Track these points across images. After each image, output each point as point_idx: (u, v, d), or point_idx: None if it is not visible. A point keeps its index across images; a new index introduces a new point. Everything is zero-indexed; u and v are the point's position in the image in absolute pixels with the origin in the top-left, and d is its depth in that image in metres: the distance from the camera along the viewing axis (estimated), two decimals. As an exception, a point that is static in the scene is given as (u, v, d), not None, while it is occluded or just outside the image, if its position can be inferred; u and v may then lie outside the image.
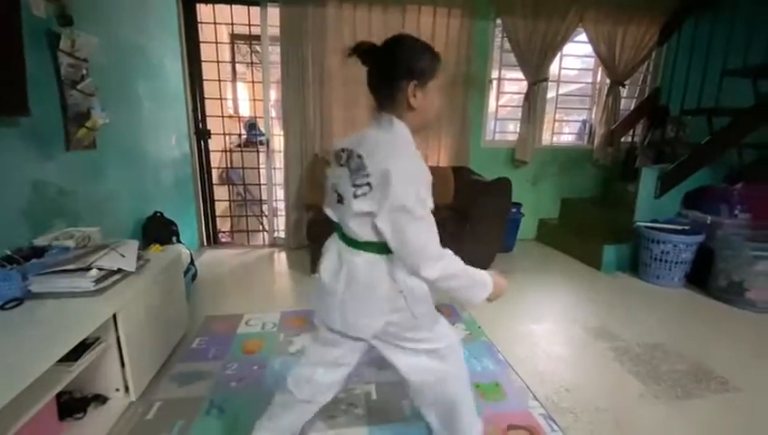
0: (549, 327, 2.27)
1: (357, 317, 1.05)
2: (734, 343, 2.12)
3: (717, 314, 2.47)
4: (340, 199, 1.02)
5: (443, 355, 1.12)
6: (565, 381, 1.74)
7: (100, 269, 1.45)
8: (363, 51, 1.00)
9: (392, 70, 0.98)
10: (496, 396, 1.64)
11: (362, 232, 0.99)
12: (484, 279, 1.04)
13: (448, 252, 0.99)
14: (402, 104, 0.99)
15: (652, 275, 2.90)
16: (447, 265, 0.97)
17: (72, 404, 1.42)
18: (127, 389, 1.52)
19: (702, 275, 2.78)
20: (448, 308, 2.39)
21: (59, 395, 1.30)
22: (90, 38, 1.86)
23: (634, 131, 4.02)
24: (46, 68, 1.68)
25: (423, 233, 0.93)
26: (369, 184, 0.93)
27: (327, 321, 1.10)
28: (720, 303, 2.60)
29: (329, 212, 1.11)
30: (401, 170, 0.91)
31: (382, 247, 0.98)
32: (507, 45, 3.57)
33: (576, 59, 4.18)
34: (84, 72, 1.84)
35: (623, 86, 3.79)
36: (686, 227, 2.86)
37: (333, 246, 1.10)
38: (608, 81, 3.78)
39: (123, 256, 1.56)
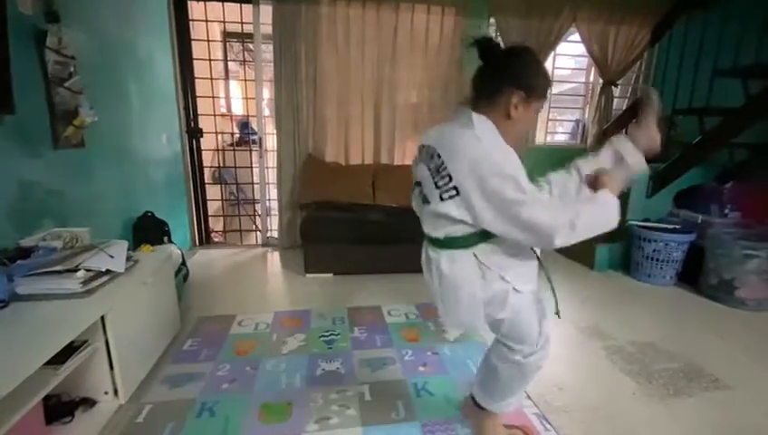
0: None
1: (452, 315, 1.10)
2: (724, 341, 2.14)
3: (708, 312, 2.50)
4: (426, 200, 1.03)
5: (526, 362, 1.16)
6: (558, 381, 1.75)
7: (87, 270, 1.42)
8: (485, 46, 0.99)
9: (505, 73, 0.98)
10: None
11: (439, 232, 1.02)
12: (603, 197, 0.98)
13: (559, 207, 0.97)
14: (500, 110, 0.99)
15: (644, 273, 2.92)
16: (572, 219, 0.90)
17: (60, 408, 1.39)
18: (116, 392, 1.50)
19: (693, 274, 2.80)
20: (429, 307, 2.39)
21: (46, 399, 1.27)
22: (77, 35, 1.83)
23: (626, 131, 4.04)
24: (32, 65, 1.64)
25: (535, 213, 0.89)
26: (455, 188, 0.92)
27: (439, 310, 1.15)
28: (711, 301, 2.62)
29: (416, 210, 1.15)
30: (493, 168, 0.90)
31: (467, 241, 0.99)
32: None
33: (569, 59, 4.20)
34: (72, 69, 1.81)
35: (616, 86, 3.81)
36: (678, 226, 2.89)
37: (424, 245, 1.15)
38: (600, 80, 3.80)
39: (112, 257, 1.54)
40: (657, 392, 1.69)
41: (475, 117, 0.98)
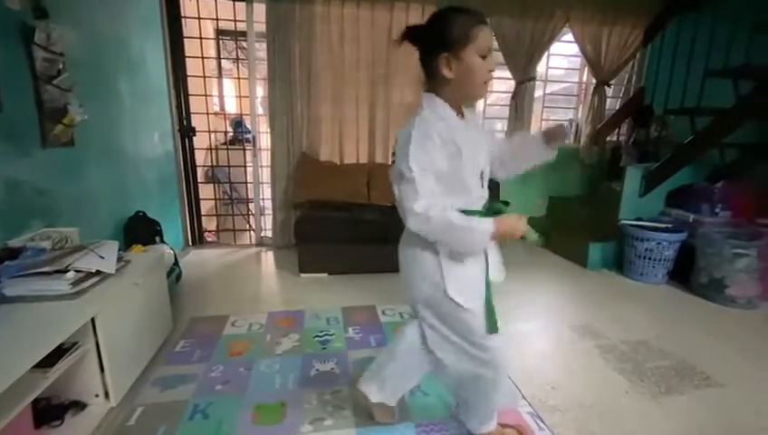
0: (535, 325, 2.28)
1: (408, 285, 1.18)
2: (715, 338, 2.16)
3: (699, 310, 2.52)
4: None
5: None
6: (552, 379, 1.75)
7: (77, 271, 1.40)
8: (405, 34, 1.04)
9: (427, 46, 1.01)
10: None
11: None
12: (479, 225, 1.01)
13: (436, 210, 1.00)
14: (440, 79, 1.01)
15: (636, 272, 2.95)
16: (430, 217, 0.99)
17: (49, 411, 1.37)
18: (107, 394, 1.47)
19: (684, 273, 2.83)
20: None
21: (35, 402, 1.25)
22: (66, 32, 1.80)
23: (619, 131, 4.08)
24: (20, 62, 1.61)
25: (404, 194, 1.01)
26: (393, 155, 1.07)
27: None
28: (702, 299, 2.65)
29: None
30: (403, 147, 1.00)
31: None
32: (495, 44, 3.57)
33: (563, 58, 4.22)
34: (60, 66, 1.78)
35: (608, 86, 3.84)
36: (669, 226, 2.92)
37: None
38: (593, 80, 3.82)
39: (102, 258, 1.52)
40: (650, 390, 1.71)
41: (424, 97, 1.05)
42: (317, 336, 2.06)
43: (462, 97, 1.05)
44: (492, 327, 1.14)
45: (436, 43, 0.99)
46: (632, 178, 3.07)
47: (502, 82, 4.21)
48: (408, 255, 1.16)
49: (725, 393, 1.71)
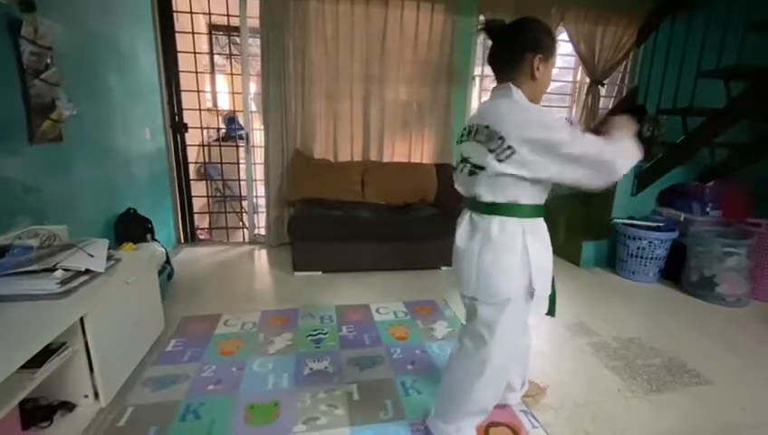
0: (529, 323, 2.28)
1: (490, 280, 1.13)
2: (705, 336, 2.19)
3: (690, 308, 2.55)
4: (475, 170, 1.12)
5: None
6: (545, 378, 1.76)
7: (65, 270, 1.38)
8: (490, 28, 1.15)
9: (522, 42, 1.10)
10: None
11: (498, 195, 1.09)
12: (625, 143, 1.10)
13: (599, 143, 1.04)
14: (526, 74, 1.11)
15: (628, 270, 2.98)
16: (621, 147, 1.06)
17: (37, 412, 1.35)
18: (96, 395, 1.45)
19: (675, 271, 2.86)
20: (431, 305, 2.39)
21: (22, 403, 1.23)
22: (54, 25, 1.76)
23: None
24: (6, 56, 1.57)
25: (584, 148, 1.01)
26: (510, 147, 1.02)
27: (462, 288, 1.20)
28: (692, 297, 2.68)
29: (459, 187, 1.23)
30: (536, 122, 1.02)
31: (520, 210, 1.10)
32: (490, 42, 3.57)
33: (557, 57, 4.23)
34: (48, 60, 1.74)
35: (602, 85, 3.86)
36: (661, 224, 2.94)
37: (466, 217, 1.21)
38: (587, 80, 3.84)
39: (91, 256, 1.49)
40: (642, 388, 1.72)
41: (511, 87, 1.11)
42: (311, 335, 2.05)
43: (534, 96, 1.14)
44: (551, 310, 1.26)
45: (530, 44, 1.09)
46: (625, 177, 3.06)
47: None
48: (493, 251, 1.12)
49: (715, 390, 1.73)
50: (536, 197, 1.13)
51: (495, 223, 1.11)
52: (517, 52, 1.11)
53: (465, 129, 1.21)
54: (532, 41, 1.10)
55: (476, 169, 1.11)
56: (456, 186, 1.25)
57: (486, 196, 1.11)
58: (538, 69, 1.10)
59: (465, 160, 1.18)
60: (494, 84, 1.17)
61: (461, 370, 1.25)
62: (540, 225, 1.17)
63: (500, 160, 1.04)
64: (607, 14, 3.56)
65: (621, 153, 1.06)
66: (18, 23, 1.59)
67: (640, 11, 3.58)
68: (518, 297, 1.15)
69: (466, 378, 1.23)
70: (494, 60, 1.16)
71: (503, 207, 1.11)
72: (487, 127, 1.07)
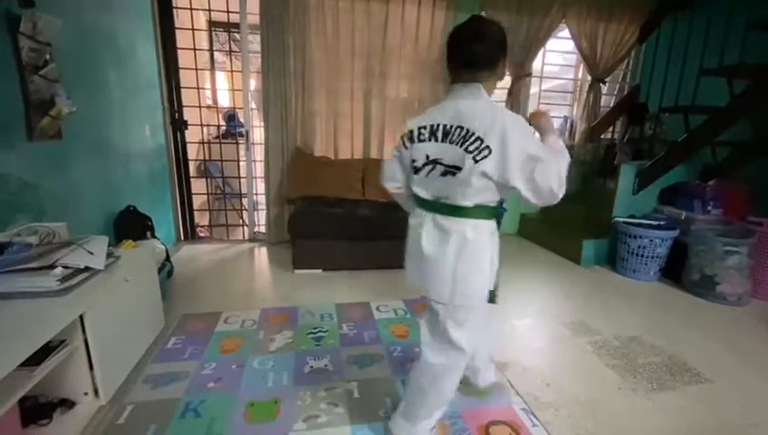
0: (530, 322, 2.29)
1: (468, 284, 1.13)
2: (705, 335, 2.19)
3: (690, 307, 2.55)
4: (451, 171, 1.07)
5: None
6: (546, 376, 1.76)
7: (65, 267, 1.37)
8: (480, 20, 1.13)
9: (499, 44, 1.10)
10: (478, 392, 1.64)
11: (474, 197, 1.08)
12: (559, 144, 1.15)
13: (551, 157, 1.04)
14: (497, 76, 1.14)
15: (629, 269, 2.97)
16: (562, 171, 1.05)
17: (37, 410, 1.34)
18: (96, 392, 1.45)
19: (676, 270, 2.86)
20: (424, 302, 2.38)
21: (22, 400, 1.23)
22: (53, 20, 1.75)
23: (614, 128, 4.09)
24: (5, 52, 1.56)
25: (549, 172, 1.02)
26: (488, 148, 1.01)
27: (432, 294, 1.19)
28: (693, 296, 2.68)
29: (417, 189, 1.18)
30: (515, 126, 1.02)
31: (489, 211, 1.12)
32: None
33: (558, 55, 4.21)
34: (47, 56, 1.73)
35: (604, 83, 3.85)
36: (662, 223, 2.93)
37: (427, 220, 1.16)
38: (589, 77, 3.83)
39: (91, 253, 1.48)
40: (642, 386, 1.72)
41: (481, 87, 1.10)
42: (311, 333, 2.04)
43: (491, 91, 1.15)
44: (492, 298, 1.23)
45: (502, 44, 1.11)
46: (626, 175, 3.08)
47: (497, 78, 4.20)
48: (470, 254, 1.12)
49: (715, 389, 1.73)
50: (497, 196, 1.13)
51: (470, 226, 1.10)
52: (495, 51, 1.11)
53: (421, 128, 1.14)
54: (504, 40, 1.12)
55: (452, 170, 1.07)
56: (413, 187, 1.20)
57: (460, 198, 1.08)
58: (503, 67, 1.15)
59: (433, 162, 1.11)
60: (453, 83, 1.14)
61: (430, 373, 1.25)
62: (493, 221, 1.19)
63: (476, 161, 1.02)
64: (609, 12, 3.55)
65: (565, 165, 1.07)
66: (17, 18, 1.58)
67: (642, 8, 3.57)
68: (484, 293, 1.18)
69: (438, 378, 1.24)
70: (465, 65, 1.10)
71: (476, 210, 1.10)
72: (462, 127, 1.05)
